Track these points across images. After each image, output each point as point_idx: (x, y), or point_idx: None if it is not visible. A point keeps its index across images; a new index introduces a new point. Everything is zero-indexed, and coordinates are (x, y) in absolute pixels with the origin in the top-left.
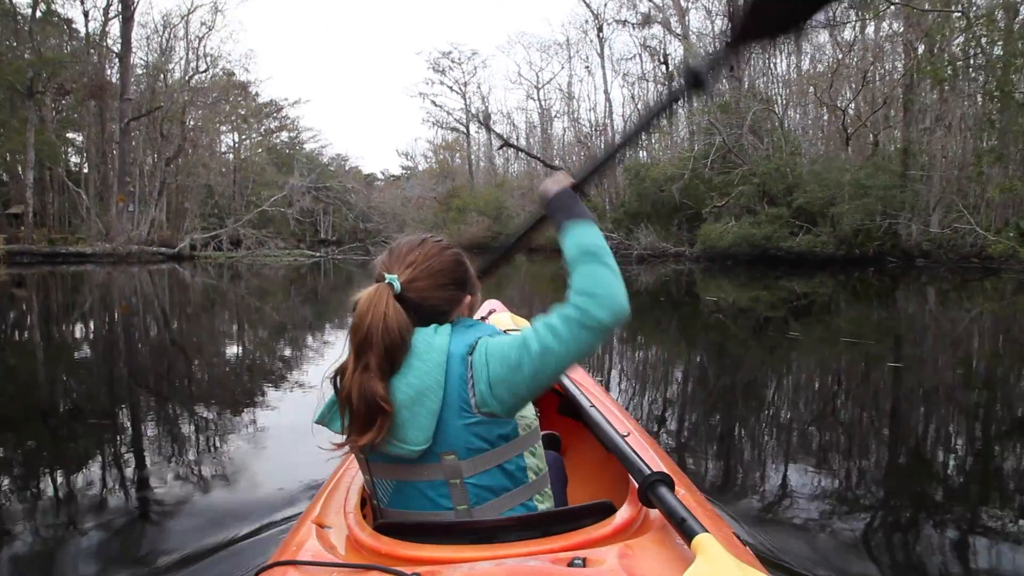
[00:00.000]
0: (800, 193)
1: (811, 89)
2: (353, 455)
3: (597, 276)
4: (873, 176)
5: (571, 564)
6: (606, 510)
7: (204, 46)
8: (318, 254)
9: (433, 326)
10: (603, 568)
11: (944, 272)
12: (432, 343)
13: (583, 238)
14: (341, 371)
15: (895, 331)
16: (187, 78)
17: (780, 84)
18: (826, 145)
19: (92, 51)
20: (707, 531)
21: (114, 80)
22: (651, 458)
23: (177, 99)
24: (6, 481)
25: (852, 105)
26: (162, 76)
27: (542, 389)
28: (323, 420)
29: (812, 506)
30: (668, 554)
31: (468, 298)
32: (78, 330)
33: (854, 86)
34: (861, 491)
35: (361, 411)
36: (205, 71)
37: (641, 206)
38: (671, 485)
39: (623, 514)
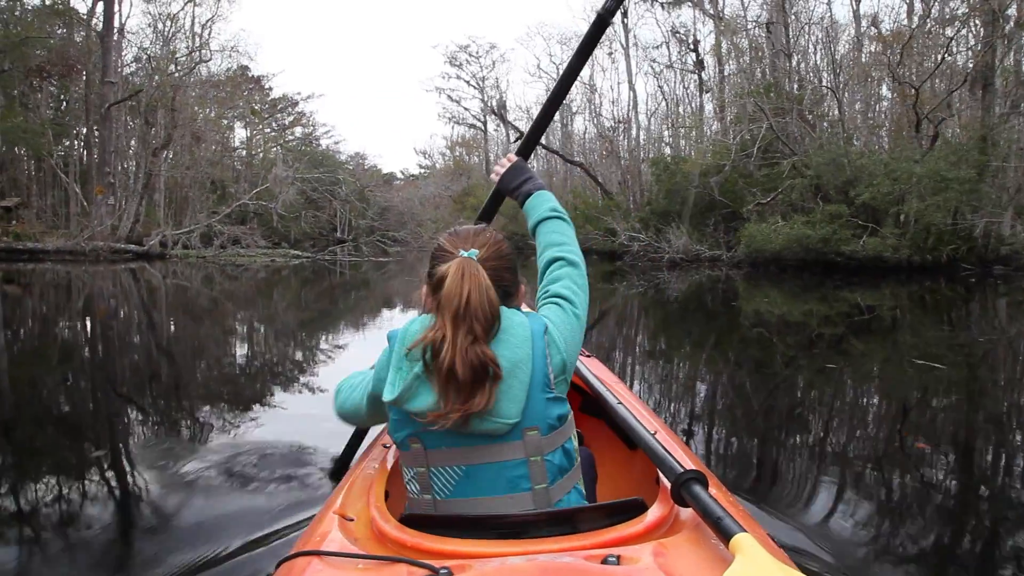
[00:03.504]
0: (865, 187)
1: (870, 75)
2: (394, 447)
3: (566, 231)
4: (955, 166)
5: (604, 561)
6: (637, 508)
7: (207, 32)
8: (305, 254)
9: (503, 307)
10: (639, 566)
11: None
12: (513, 319)
13: (546, 203)
14: (433, 344)
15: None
16: (175, 62)
17: (830, 67)
18: (884, 133)
19: (64, 29)
20: (745, 531)
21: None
22: (680, 457)
23: (164, 83)
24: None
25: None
26: (158, 65)
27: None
28: (401, 398)
29: (847, 518)
30: (705, 553)
31: (523, 287)
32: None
33: (910, 69)
34: (908, 513)
35: (467, 379)
36: (208, 59)
37: (671, 204)
38: (705, 484)
39: (655, 512)
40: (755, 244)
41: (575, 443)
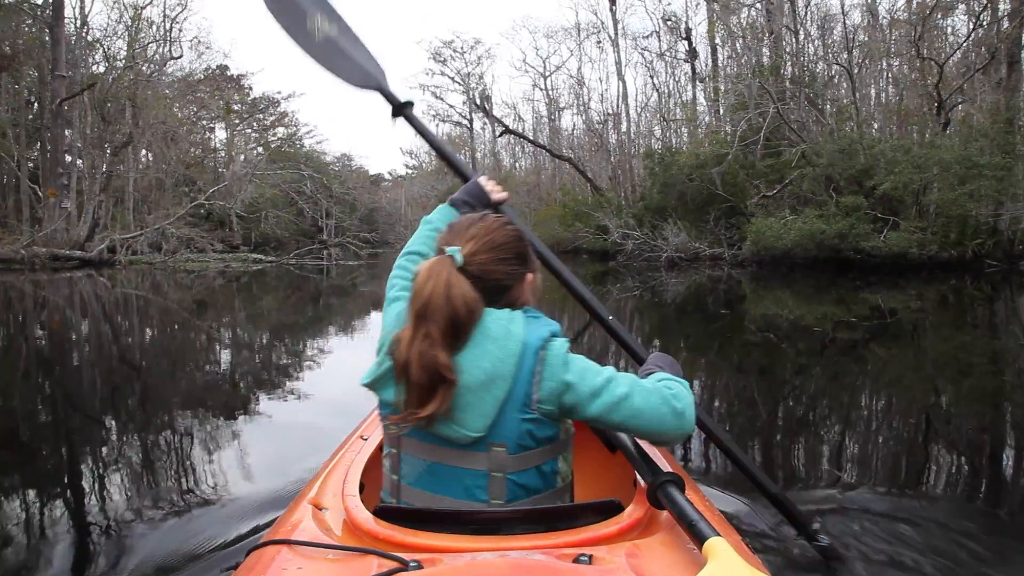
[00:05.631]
0: (885, 176)
1: (888, 53)
2: (372, 440)
3: (685, 391)
4: (986, 151)
5: (576, 560)
6: (613, 509)
7: (176, 27)
8: (268, 258)
9: (507, 310)
10: (610, 567)
11: None
12: (510, 329)
13: (675, 373)
14: (398, 340)
15: None
16: (139, 56)
17: (843, 45)
18: (895, 118)
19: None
20: (719, 535)
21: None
22: (659, 459)
23: (121, 76)
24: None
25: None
26: (116, 56)
27: (599, 424)
28: (373, 384)
29: (826, 524)
30: (678, 556)
31: (530, 276)
32: None
33: (931, 46)
34: (907, 534)
35: (422, 381)
36: (179, 56)
37: (665, 199)
38: (681, 487)
39: (630, 513)
40: (764, 241)
41: (560, 466)
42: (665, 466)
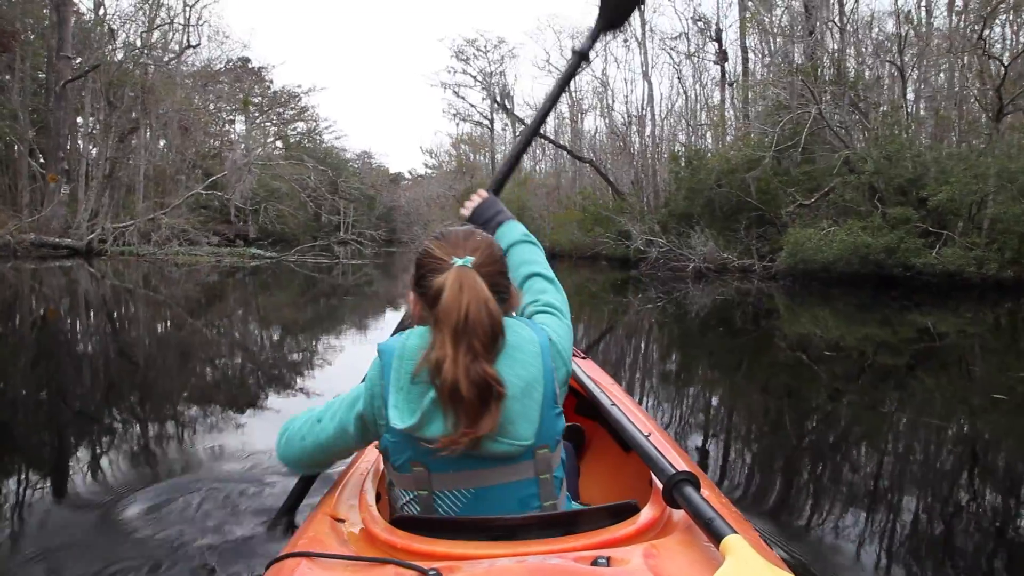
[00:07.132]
0: (940, 186)
1: (951, 47)
2: (380, 462)
3: (539, 255)
4: None
5: (594, 563)
6: (629, 510)
7: (194, 14)
8: (268, 254)
9: (510, 317)
10: (628, 568)
11: None
12: (523, 334)
13: (517, 230)
14: (436, 364)
15: None
16: (151, 43)
17: (895, 41)
18: (933, 127)
19: None
20: (736, 532)
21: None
22: (674, 459)
23: (128, 58)
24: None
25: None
26: (127, 40)
27: None
28: (416, 426)
29: (840, 519)
30: (695, 555)
31: (515, 290)
32: None
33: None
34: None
35: (473, 399)
36: (197, 44)
37: (692, 205)
38: (697, 485)
39: (647, 514)
40: (803, 253)
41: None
42: (680, 464)
